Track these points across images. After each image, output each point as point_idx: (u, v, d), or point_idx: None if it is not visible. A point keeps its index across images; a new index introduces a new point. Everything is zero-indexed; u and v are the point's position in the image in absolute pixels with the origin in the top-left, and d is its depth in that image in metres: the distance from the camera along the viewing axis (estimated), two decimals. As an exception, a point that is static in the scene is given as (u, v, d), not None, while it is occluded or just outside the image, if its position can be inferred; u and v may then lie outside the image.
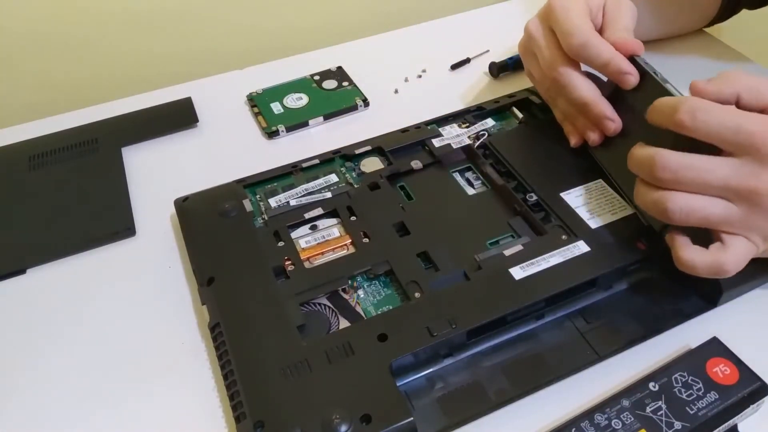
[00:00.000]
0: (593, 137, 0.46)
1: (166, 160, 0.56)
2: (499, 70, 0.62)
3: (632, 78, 0.43)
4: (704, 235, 0.38)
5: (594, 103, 0.45)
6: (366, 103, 0.60)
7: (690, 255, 0.37)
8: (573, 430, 0.34)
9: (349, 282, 0.42)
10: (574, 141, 0.48)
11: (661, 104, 0.38)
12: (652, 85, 0.41)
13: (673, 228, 0.38)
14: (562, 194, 0.45)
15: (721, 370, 0.36)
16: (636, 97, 0.43)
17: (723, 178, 0.35)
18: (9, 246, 0.49)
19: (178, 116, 0.60)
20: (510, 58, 0.62)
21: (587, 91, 0.45)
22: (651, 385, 0.36)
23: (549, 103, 0.51)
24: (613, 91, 0.45)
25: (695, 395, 0.35)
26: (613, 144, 0.44)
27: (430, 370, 0.38)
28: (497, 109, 0.55)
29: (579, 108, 0.46)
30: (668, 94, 0.40)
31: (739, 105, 0.37)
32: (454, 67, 0.64)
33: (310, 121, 0.58)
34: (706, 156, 0.36)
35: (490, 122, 0.54)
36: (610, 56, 0.44)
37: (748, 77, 0.38)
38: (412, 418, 0.34)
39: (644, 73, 0.43)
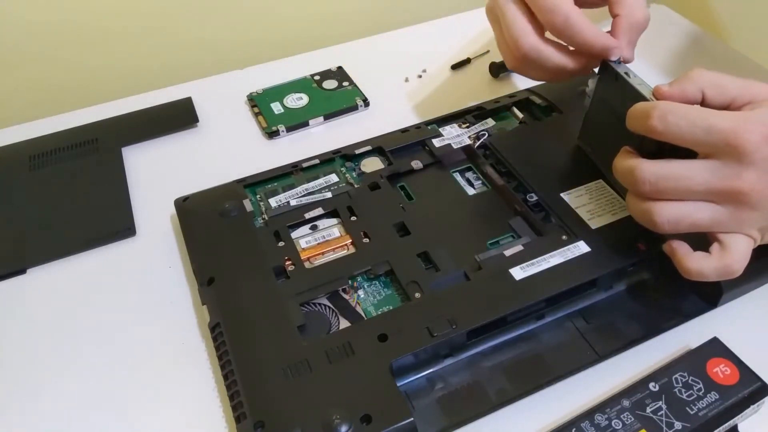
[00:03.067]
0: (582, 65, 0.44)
1: (166, 160, 0.56)
2: (499, 70, 0.62)
3: (616, 50, 0.42)
4: (700, 237, 0.38)
5: (578, 61, 0.44)
6: (366, 103, 0.60)
7: (696, 264, 0.37)
8: (573, 430, 0.34)
9: (350, 282, 0.42)
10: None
11: (635, 111, 0.37)
12: (626, 88, 0.41)
13: (669, 237, 0.38)
14: (562, 194, 0.45)
15: (721, 371, 0.36)
16: (615, 101, 0.43)
17: (704, 183, 0.35)
18: (9, 246, 0.49)
19: (178, 116, 0.60)
20: None
21: (562, 59, 0.44)
22: (651, 385, 0.36)
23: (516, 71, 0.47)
24: (596, 95, 0.45)
25: (695, 395, 0.35)
26: (606, 147, 0.44)
27: (431, 370, 0.38)
28: (497, 109, 0.55)
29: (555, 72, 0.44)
30: (640, 95, 0.39)
31: (704, 102, 0.37)
32: (454, 67, 0.64)
33: (311, 121, 0.58)
34: (685, 161, 0.36)
35: (490, 122, 0.54)
36: (593, 37, 0.42)
37: (709, 74, 0.37)
38: (412, 419, 0.34)
39: (616, 75, 0.42)
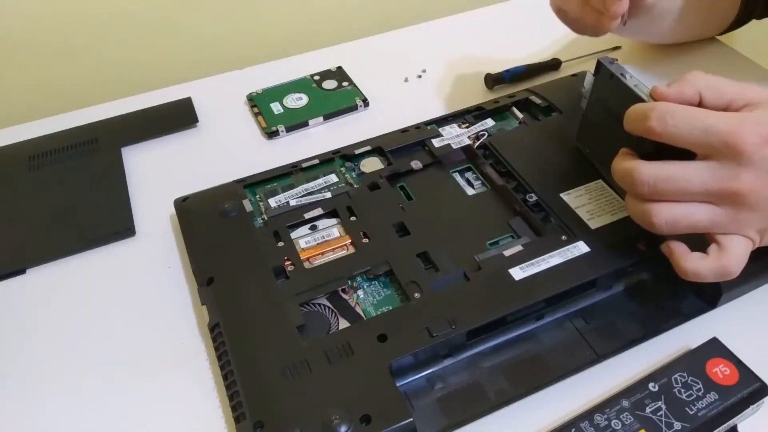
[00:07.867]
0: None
1: (166, 160, 0.56)
2: (494, 82, 0.60)
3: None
4: (700, 238, 0.38)
5: None
6: (366, 103, 0.60)
7: (693, 265, 0.37)
8: (573, 430, 0.34)
9: (349, 282, 0.42)
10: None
11: (633, 112, 0.37)
12: (622, 89, 0.41)
13: (668, 238, 0.38)
14: (562, 194, 0.45)
15: (720, 371, 0.36)
16: (612, 102, 0.43)
17: (702, 184, 0.35)
18: (9, 246, 0.49)
19: (178, 116, 0.60)
20: (506, 71, 0.60)
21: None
22: (651, 385, 0.36)
23: None
24: (593, 96, 0.45)
25: (695, 396, 0.35)
26: (603, 148, 0.44)
27: (430, 370, 0.38)
28: (497, 109, 0.55)
29: None
30: (636, 96, 0.39)
31: (701, 105, 0.37)
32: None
33: (310, 121, 0.58)
34: (683, 163, 0.36)
35: (490, 122, 0.54)
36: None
37: (707, 76, 0.38)
38: (411, 419, 0.34)
39: (611, 75, 0.42)
